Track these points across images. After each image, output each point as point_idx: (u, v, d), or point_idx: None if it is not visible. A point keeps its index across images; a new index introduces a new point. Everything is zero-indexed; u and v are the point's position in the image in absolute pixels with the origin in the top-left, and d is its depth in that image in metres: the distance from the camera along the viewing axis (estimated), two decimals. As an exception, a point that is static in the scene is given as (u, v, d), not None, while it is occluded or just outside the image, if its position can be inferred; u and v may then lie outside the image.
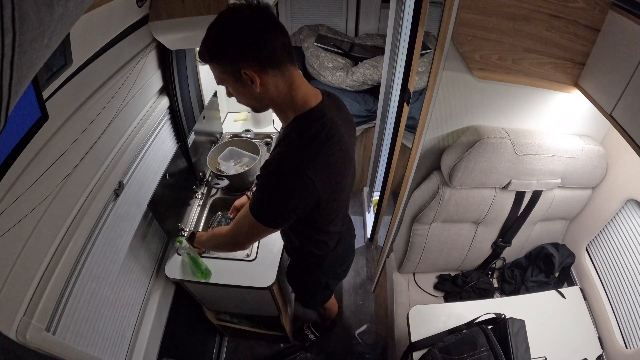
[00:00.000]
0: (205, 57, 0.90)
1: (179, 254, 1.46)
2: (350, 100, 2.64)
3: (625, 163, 1.37)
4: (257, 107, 1.00)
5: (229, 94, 0.99)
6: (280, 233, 1.39)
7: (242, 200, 1.55)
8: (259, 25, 0.84)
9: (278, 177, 0.92)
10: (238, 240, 1.12)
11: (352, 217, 1.52)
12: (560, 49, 1.10)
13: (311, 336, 2.22)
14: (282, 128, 1.06)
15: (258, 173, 0.99)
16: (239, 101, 0.99)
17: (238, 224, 1.09)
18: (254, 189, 1.05)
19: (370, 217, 2.80)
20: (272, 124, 2.32)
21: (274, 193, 0.95)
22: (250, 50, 0.85)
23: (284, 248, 1.52)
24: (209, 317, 1.94)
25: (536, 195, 1.47)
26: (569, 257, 1.63)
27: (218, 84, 0.96)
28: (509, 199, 1.47)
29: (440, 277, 1.77)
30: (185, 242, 1.39)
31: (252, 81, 0.88)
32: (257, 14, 0.85)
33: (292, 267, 1.51)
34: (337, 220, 1.22)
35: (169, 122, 1.61)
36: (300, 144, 0.93)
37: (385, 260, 1.99)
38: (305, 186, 0.91)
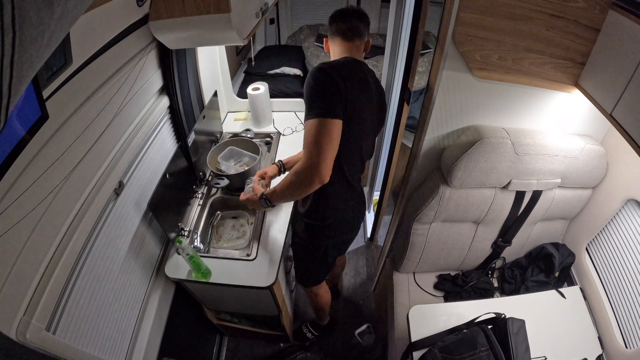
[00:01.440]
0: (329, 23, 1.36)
1: (179, 254, 1.46)
2: (350, 99, 2.64)
3: (626, 163, 1.37)
4: (331, 55, 1.40)
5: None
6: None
7: (273, 168, 1.64)
8: (353, 16, 1.32)
9: (310, 80, 1.17)
10: (312, 160, 1.15)
11: (352, 216, 1.53)
12: (561, 49, 1.10)
13: (309, 335, 2.22)
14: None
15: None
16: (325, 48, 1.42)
17: (305, 141, 1.17)
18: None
19: (370, 217, 2.80)
20: (272, 123, 2.32)
21: (313, 92, 1.16)
22: (335, 25, 1.34)
23: (296, 210, 1.59)
24: (209, 317, 1.94)
25: (536, 195, 1.47)
26: (569, 257, 1.63)
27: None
28: (509, 199, 1.47)
29: (440, 277, 1.77)
30: (185, 242, 1.39)
31: (329, 41, 1.41)
32: (356, 11, 1.34)
33: (297, 233, 1.58)
34: (356, 171, 1.39)
35: (169, 121, 1.61)
36: (330, 61, 1.24)
37: (385, 260, 1.99)
38: (331, 80, 1.15)
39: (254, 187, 1.48)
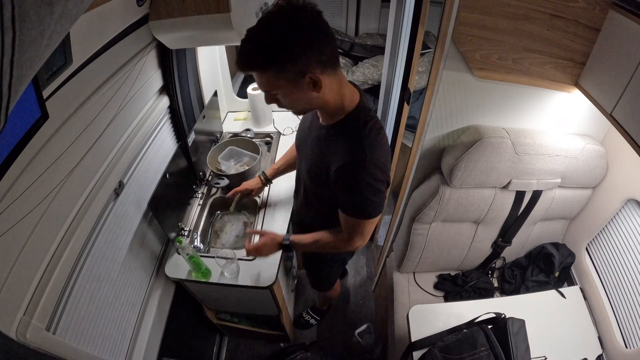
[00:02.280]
0: (258, 65, 0.85)
1: (179, 254, 1.46)
2: (350, 99, 2.64)
3: (626, 163, 1.37)
4: (306, 110, 1.02)
5: (273, 101, 0.96)
6: (307, 210, 1.37)
7: (254, 181, 1.59)
8: (318, 26, 0.84)
9: (364, 173, 0.97)
10: (354, 240, 1.13)
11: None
12: (561, 49, 1.09)
13: (312, 321, 2.24)
14: (326, 126, 1.06)
15: (334, 176, 1.02)
16: (283, 106, 0.97)
17: (348, 226, 1.10)
18: (340, 187, 1.06)
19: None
20: (272, 123, 2.32)
21: (366, 189, 0.99)
22: (315, 52, 0.84)
23: (305, 227, 1.47)
24: (209, 317, 1.94)
25: (536, 194, 1.47)
26: (569, 256, 1.63)
27: (266, 91, 0.93)
28: (509, 199, 1.47)
29: (440, 277, 1.77)
30: (185, 242, 1.39)
31: (314, 84, 0.88)
32: (311, 14, 0.83)
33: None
34: None
35: (169, 121, 1.61)
36: (366, 139, 0.98)
37: (385, 260, 1.99)
38: (385, 171, 1.00)
39: (265, 232, 1.36)
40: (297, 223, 1.58)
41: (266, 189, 1.83)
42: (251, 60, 0.85)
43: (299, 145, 1.27)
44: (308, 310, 2.27)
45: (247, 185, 1.60)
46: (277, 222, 1.70)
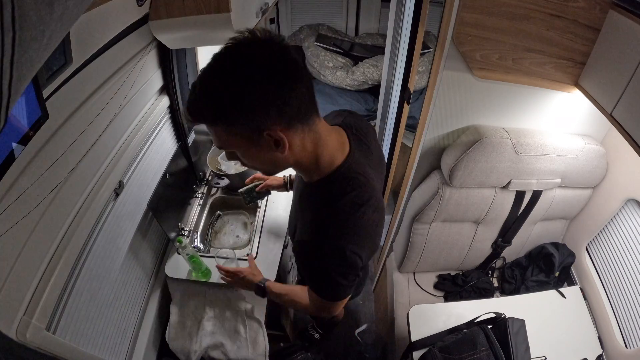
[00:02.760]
0: (206, 118, 0.69)
1: (179, 254, 1.46)
2: (350, 99, 2.64)
3: (626, 163, 1.37)
4: (272, 171, 0.84)
5: (232, 159, 0.79)
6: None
7: (279, 180, 1.47)
8: (283, 69, 0.64)
9: (321, 260, 0.82)
10: (320, 312, 1.03)
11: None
12: (561, 49, 1.09)
13: (316, 335, 2.22)
14: (304, 183, 0.89)
15: (296, 247, 0.90)
16: (246, 165, 0.80)
17: (313, 300, 0.99)
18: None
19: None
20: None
21: (323, 276, 0.86)
22: (276, 104, 0.65)
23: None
24: (209, 317, 1.94)
25: (536, 194, 1.47)
26: (569, 256, 1.63)
27: (219, 147, 0.77)
28: (509, 199, 1.47)
29: (440, 277, 1.77)
30: (185, 242, 1.39)
31: (276, 144, 0.69)
32: (277, 52, 0.64)
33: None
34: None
35: (169, 121, 1.61)
36: (333, 219, 0.79)
37: (385, 260, 1.99)
38: (352, 263, 0.80)
39: (250, 265, 1.34)
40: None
41: (264, 201, 1.80)
42: (196, 110, 0.69)
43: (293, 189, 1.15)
44: (313, 324, 2.24)
45: (271, 181, 1.48)
46: (278, 222, 1.70)
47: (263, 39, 0.65)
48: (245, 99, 0.63)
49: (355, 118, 0.95)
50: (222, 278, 1.36)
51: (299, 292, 1.08)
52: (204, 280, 1.49)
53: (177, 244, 1.39)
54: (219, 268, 1.35)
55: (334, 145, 0.81)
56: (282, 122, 0.67)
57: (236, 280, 1.30)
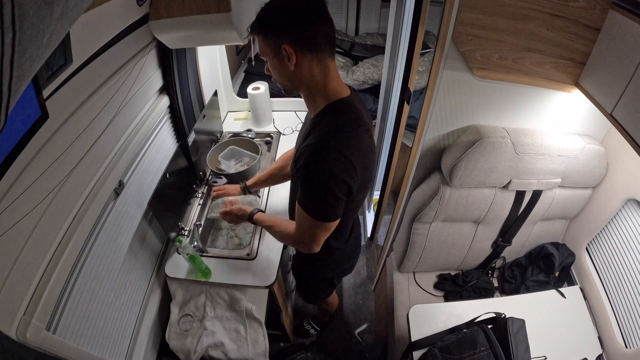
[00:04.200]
0: (255, 27, 0.94)
1: (179, 253, 1.46)
2: (350, 99, 2.64)
3: (626, 163, 1.37)
4: (289, 87, 1.01)
5: (267, 71, 1.01)
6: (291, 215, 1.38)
7: (236, 189, 1.59)
8: (308, 8, 0.89)
9: (318, 161, 0.93)
10: (303, 240, 1.11)
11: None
12: (561, 49, 1.09)
13: (312, 331, 2.23)
14: (310, 117, 1.08)
15: (295, 164, 1.01)
16: (274, 78, 1.01)
17: (299, 221, 1.09)
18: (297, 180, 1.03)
19: (370, 217, 2.81)
20: (272, 123, 2.32)
21: (316, 182, 0.96)
22: (293, 28, 0.89)
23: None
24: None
25: (536, 194, 1.47)
26: (569, 256, 1.63)
27: (260, 55, 1.00)
28: (509, 199, 1.47)
29: (440, 277, 1.77)
30: (185, 242, 1.39)
31: (289, 58, 0.92)
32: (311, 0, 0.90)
33: (298, 261, 1.53)
34: (355, 212, 1.27)
35: (169, 121, 1.61)
36: (335, 129, 0.96)
37: (385, 260, 1.99)
38: (347, 170, 0.94)
39: (234, 202, 1.45)
40: None
41: (266, 188, 1.84)
42: (252, 24, 0.95)
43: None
44: (309, 319, 2.26)
45: (227, 190, 1.60)
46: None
47: None
48: (277, 17, 0.90)
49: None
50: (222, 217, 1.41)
51: (285, 223, 1.22)
52: (204, 279, 1.50)
53: (177, 243, 1.39)
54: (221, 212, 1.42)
55: (340, 84, 1.02)
56: (295, 43, 0.91)
57: (230, 213, 1.37)
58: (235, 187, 1.61)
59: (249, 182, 1.61)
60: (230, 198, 1.51)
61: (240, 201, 1.49)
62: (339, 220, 1.06)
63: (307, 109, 1.11)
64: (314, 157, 0.94)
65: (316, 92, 1.00)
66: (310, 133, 1.01)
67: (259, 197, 1.83)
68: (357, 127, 0.98)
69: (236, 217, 1.38)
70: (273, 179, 1.58)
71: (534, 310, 1.44)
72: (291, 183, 1.33)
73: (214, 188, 1.62)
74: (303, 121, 1.29)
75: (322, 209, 1.01)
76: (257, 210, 1.35)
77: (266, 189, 1.84)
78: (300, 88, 1.01)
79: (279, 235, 1.25)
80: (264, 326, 1.53)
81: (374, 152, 1.06)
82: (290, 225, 1.18)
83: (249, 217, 1.34)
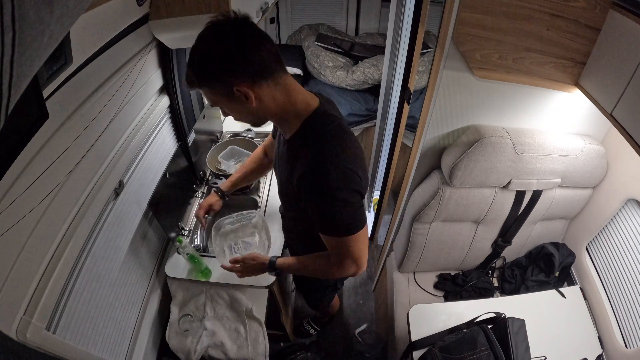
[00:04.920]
0: (194, 82, 0.86)
1: (179, 253, 1.46)
2: (350, 99, 2.64)
3: (626, 162, 1.37)
4: (257, 122, 0.97)
5: (225, 114, 0.96)
6: (294, 237, 1.34)
7: (211, 198, 1.46)
8: (243, 38, 0.81)
9: (323, 185, 0.88)
10: (350, 262, 1.01)
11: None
12: (561, 49, 1.09)
13: (312, 331, 2.23)
14: (287, 139, 1.00)
15: (297, 188, 0.95)
16: (236, 119, 0.96)
17: (335, 248, 1.00)
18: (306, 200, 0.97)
19: (370, 217, 2.81)
20: (272, 123, 2.32)
21: (332, 201, 0.90)
22: (238, 65, 0.82)
23: (293, 252, 1.51)
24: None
25: (536, 194, 1.47)
26: (569, 256, 1.63)
27: (212, 105, 0.94)
28: (509, 199, 1.47)
29: (440, 277, 1.77)
30: (185, 241, 1.39)
31: (246, 97, 0.85)
32: (238, 27, 0.82)
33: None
34: None
35: (169, 121, 1.61)
36: (326, 143, 0.91)
37: (385, 260, 1.99)
38: (353, 179, 0.90)
39: (246, 256, 1.27)
40: (288, 246, 1.55)
41: (266, 186, 1.84)
42: (188, 78, 0.88)
43: (275, 166, 1.20)
44: (309, 320, 2.26)
45: (208, 202, 1.46)
46: (278, 222, 1.70)
47: (229, 17, 0.83)
48: (215, 63, 0.82)
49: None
50: (235, 272, 1.29)
51: (312, 259, 1.12)
52: (204, 279, 1.50)
53: (177, 243, 1.39)
54: (224, 267, 1.32)
55: (306, 95, 0.96)
56: (247, 80, 0.83)
57: (246, 268, 1.26)
58: (213, 197, 1.47)
59: (223, 187, 1.47)
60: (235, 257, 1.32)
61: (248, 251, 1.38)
62: (366, 224, 1.00)
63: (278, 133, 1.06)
64: (317, 183, 0.90)
65: (287, 115, 0.95)
66: (297, 159, 0.94)
67: (259, 197, 1.83)
68: (342, 136, 0.93)
69: (253, 270, 1.27)
70: (249, 178, 1.50)
71: (534, 310, 1.44)
72: (284, 207, 1.26)
73: (195, 212, 1.48)
74: (276, 138, 1.20)
75: (348, 223, 0.95)
76: (275, 258, 1.23)
77: (265, 190, 1.84)
78: (268, 118, 0.96)
79: (316, 273, 1.16)
80: (264, 326, 1.52)
81: (363, 152, 1.03)
82: (319, 258, 1.09)
83: (270, 268, 1.23)
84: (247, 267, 1.26)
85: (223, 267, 1.32)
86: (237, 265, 1.27)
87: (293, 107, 0.93)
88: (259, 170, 1.50)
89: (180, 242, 1.37)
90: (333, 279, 1.15)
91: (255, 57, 0.82)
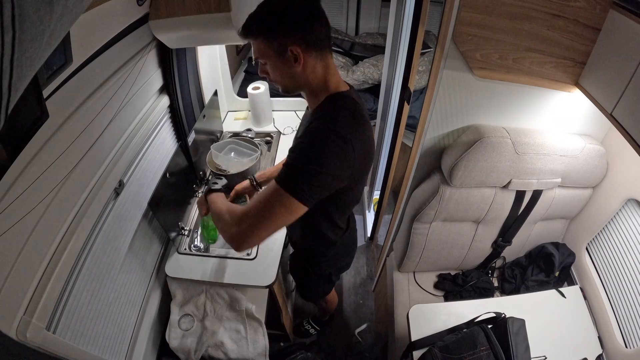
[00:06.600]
0: (252, 30, 0.92)
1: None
2: (350, 99, 2.64)
3: (626, 162, 1.37)
4: (290, 87, 1.01)
5: (263, 72, 0.99)
6: (294, 223, 1.31)
7: (245, 184, 1.50)
8: (312, 9, 0.90)
9: (318, 138, 0.87)
10: (246, 219, 0.91)
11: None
12: (561, 48, 1.09)
13: (312, 331, 2.23)
14: (311, 109, 1.06)
15: (291, 146, 0.94)
16: (272, 79, 1.00)
17: (257, 196, 0.92)
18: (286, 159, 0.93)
19: (370, 216, 2.81)
20: (272, 123, 2.32)
21: (312, 156, 0.86)
22: (301, 29, 0.89)
23: (289, 238, 1.51)
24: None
25: (536, 194, 1.47)
26: (569, 256, 1.63)
27: (257, 58, 0.98)
28: (509, 198, 1.47)
29: (440, 276, 1.77)
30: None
31: (295, 59, 0.91)
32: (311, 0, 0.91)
33: (296, 259, 1.52)
34: (353, 205, 1.25)
35: (169, 121, 1.61)
36: (339, 114, 0.94)
37: (385, 259, 1.99)
38: (345, 148, 0.87)
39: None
40: (288, 235, 1.56)
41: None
42: (248, 27, 0.92)
43: None
44: (309, 319, 2.26)
45: (241, 186, 1.50)
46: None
47: None
48: (282, 19, 0.88)
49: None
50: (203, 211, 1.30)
51: (230, 207, 1.03)
52: (210, 241, 1.52)
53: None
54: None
55: (339, 79, 1.03)
56: (302, 44, 0.90)
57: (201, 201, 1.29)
58: (246, 184, 1.50)
59: (257, 176, 1.51)
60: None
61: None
62: (303, 211, 0.90)
63: (307, 108, 1.10)
64: (312, 136, 0.88)
65: (319, 89, 1.00)
66: (311, 122, 0.96)
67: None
68: (358, 117, 0.97)
69: (201, 203, 1.29)
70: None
71: (534, 310, 1.44)
72: None
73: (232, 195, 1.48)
74: (301, 120, 1.25)
75: (298, 181, 0.86)
76: (212, 190, 1.21)
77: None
78: (303, 87, 1.01)
79: (216, 213, 1.08)
80: (264, 326, 1.52)
81: (373, 145, 1.05)
82: (232, 207, 1.02)
83: (204, 196, 1.23)
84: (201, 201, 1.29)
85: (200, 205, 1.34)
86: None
87: (326, 84, 1.00)
88: None
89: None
90: (220, 227, 1.02)
91: (318, 28, 0.91)
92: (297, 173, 0.87)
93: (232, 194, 1.50)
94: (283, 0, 0.90)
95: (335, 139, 0.87)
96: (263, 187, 1.47)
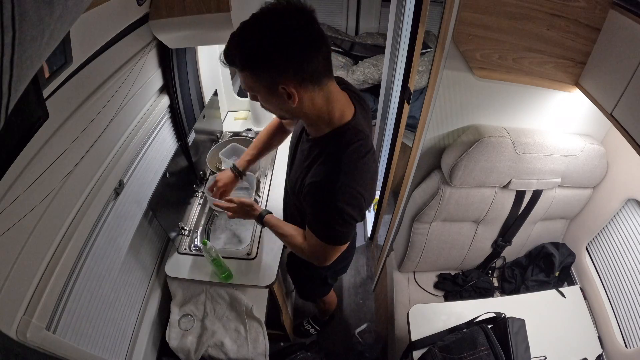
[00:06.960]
0: (236, 63, 0.82)
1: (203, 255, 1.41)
2: (350, 99, 2.64)
3: (626, 162, 1.37)
4: (287, 117, 0.99)
5: (254, 99, 0.93)
6: (289, 221, 1.32)
7: (227, 174, 1.42)
8: (306, 37, 0.77)
9: (332, 196, 0.91)
10: (316, 257, 1.10)
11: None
12: (561, 48, 1.09)
13: (312, 331, 2.23)
14: (311, 139, 1.01)
15: (306, 190, 0.98)
16: (266, 109, 0.96)
17: (311, 242, 1.05)
18: (305, 201, 1.01)
19: (370, 216, 2.80)
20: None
21: (331, 213, 0.94)
22: (293, 65, 0.78)
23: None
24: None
25: (536, 194, 1.47)
26: (569, 256, 1.63)
27: (245, 90, 0.91)
28: (509, 198, 1.47)
29: (440, 276, 1.77)
30: (209, 244, 1.36)
31: (288, 96, 0.83)
32: (303, 24, 0.76)
33: (292, 258, 1.52)
34: None
35: (169, 121, 1.61)
36: (345, 161, 0.91)
37: (385, 259, 1.99)
38: (358, 202, 0.93)
39: (250, 203, 1.29)
40: None
41: (267, 186, 1.84)
42: (231, 57, 0.82)
43: (290, 152, 1.20)
44: (309, 319, 2.26)
45: (223, 180, 1.41)
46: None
47: (296, 8, 0.77)
48: (270, 54, 0.76)
49: (348, 84, 1.07)
50: (224, 208, 1.29)
51: (295, 234, 1.16)
52: (228, 282, 1.49)
53: (202, 245, 1.36)
54: (218, 205, 1.32)
55: (344, 105, 0.95)
56: (295, 80, 0.80)
57: (239, 210, 1.27)
58: (229, 177, 1.43)
59: (239, 165, 1.43)
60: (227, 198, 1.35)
61: (238, 193, 1.40)
62: (350, 240, 1.05)
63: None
64: (324, 196, 0.93)
65: (319, 120, 0.93)
66: (314, 164, 0.97)
67: (259, 196, 1.83)
68: (364, 156, 0.93)
69: (244, 215, 1.28)
70: (263, 152, 1.45)
71: (534, 310, 1.44)
72: (286, 197, 1.30)
73: (209, 187, 1.43)
74: (295, 126, 1.19)
75: (333, 236, 1.00)
76: (266, 212, 1.25)
77: (266, 189, 1.84)
78: (300, 117, 0.96)
79: (291, 246, 1.20)
80: (264, 326, 1.52)
81: (377, 174, 1.06)
82: (299, 237, 1.15)
83: (259, 218, 1.24)
84: (241, 209, 1.26)
85: (217, 205, 1.33)
86: (233, 205, 1.27)
87: (328, 115, 0.92)
88: (274, 144, 1.45)
89: (205, 244, 1.35)
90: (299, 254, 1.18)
91: (312, 62, 0.79)
92: (329, 230, 0.99)
93: (215, 189, 1.40)
94: (272, 23, 0.75)
95: (349, 195, 0.91)
96: (247, 174, 1.47)
